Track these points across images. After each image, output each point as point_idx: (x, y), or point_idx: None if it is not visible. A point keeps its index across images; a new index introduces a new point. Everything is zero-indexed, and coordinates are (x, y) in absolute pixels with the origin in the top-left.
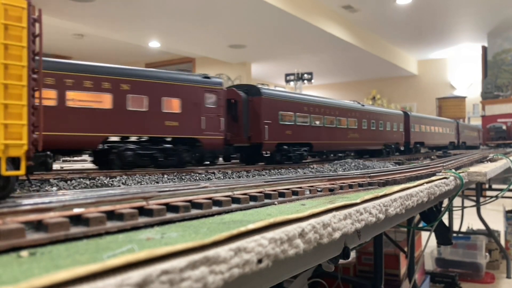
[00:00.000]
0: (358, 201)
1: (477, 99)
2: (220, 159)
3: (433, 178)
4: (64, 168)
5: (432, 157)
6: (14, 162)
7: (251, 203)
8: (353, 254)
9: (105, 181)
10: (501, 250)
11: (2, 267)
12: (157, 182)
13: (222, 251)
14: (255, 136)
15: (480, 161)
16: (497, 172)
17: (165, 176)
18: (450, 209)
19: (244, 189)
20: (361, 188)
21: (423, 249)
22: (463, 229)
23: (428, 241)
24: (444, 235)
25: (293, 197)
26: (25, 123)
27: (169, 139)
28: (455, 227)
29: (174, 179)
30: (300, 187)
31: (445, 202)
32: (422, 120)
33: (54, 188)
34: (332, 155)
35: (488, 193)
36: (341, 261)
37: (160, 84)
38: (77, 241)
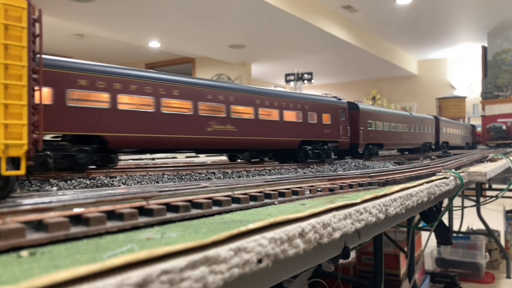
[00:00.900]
0: (358, 201)
1: (477, 99)
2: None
3: (433, 178)
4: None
5: (432, 157)
6: (14, 162)
7: (251, 203)
8: (353, 254)
9: (105, 181)
10: (501, 250)
11: (2, 267)
12: (157, 182)
13: (222, 251)
14: (354, 138)
15: (480, 161)
16: (497, 172)
17: (165, 176)
18: (450, 209)
19: (244, 189)
20: (361, 188)
21: (423, 249)
22: (463, 229)
23: (428, 241)
24: (444, 235)
25: (293, 197)
26: (25, 123)
27: (324, 142)
28: (455, 227)
29: (174, 179)
30: (300, 187)
31: (445, 202)
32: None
33: (54, 188)
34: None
35: (488, 193)
36: (341, 261)
37: (320, 105)
38: (77, 241)
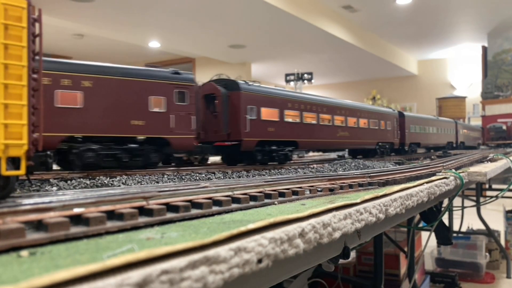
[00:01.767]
0: (358, 201)
1: (477, 99)
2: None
3: (433, 178)
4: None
5: (432, 157)
6: (14, 162)
7: (251, 203)
8: (353, 254)
9: (105, 181)
10: (501, 250)
11: (2, 266)
12: (157, 182)
13: (222, 250)
14: (402, 139)
15: (480, 161)
16: (497, 172)
17: (165, 176)
18: (450, 209)
19: (244, 189)
20: (361, 188)
21: (423, 249)
22: (463, 229)
23: (428, 241)
24: (444, 235)
25: (293, 197)
26: (25, 123)
27: (387, 142)
28: (455, 227)
29: (174, 179)
30: (300, 187)
31: (445, 202)
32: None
33: (54, 188)
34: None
35: (488, 193)
36: (341, 261)
37: (385, 115)
38: (77, 241)
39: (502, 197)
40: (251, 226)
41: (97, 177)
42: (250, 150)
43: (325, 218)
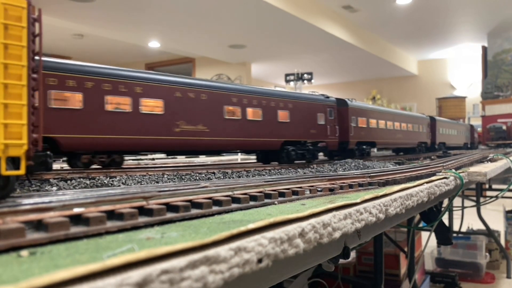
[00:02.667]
0: (358, 201)
1: (477, 99)
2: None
3: (433, 178)
4: (64, 168)
5: (432, 157)
6: (14, 162)
7: (251, 203)
8: (353, 254)
9: (105, 181)
10: (501, 250)
11: (2, 266)
12: (157, 182)
13: (222, 250)
14: (433, 139)
15: (480, 161)
16: (497, 172)
17: (165, 176)
18: (450, 209)
19: (244, 189)
20: (361, 188)
21: (423, 249)
22: (463, 229)
23: (428, 241)
24: (444, 235)
25: (293, 196)
26: (25, 122)
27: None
28: (455, 227)
29: (174, 178)
30: (300, 187)
31: (445, 202)
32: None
33: (54, 188)
34: None
35: (488, 193)
36: (341, 261)
37: (417, 119)
38: (77, 241)
39: (502, 197)
40: (251, 226)
41: (97, 177)
42: (353, 148)
43: (325, 218)
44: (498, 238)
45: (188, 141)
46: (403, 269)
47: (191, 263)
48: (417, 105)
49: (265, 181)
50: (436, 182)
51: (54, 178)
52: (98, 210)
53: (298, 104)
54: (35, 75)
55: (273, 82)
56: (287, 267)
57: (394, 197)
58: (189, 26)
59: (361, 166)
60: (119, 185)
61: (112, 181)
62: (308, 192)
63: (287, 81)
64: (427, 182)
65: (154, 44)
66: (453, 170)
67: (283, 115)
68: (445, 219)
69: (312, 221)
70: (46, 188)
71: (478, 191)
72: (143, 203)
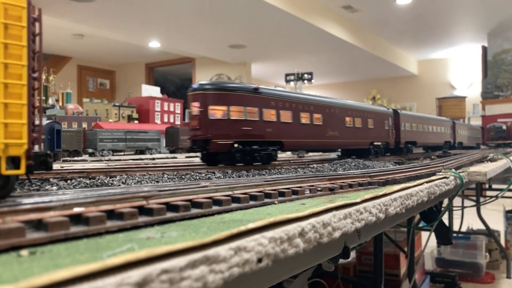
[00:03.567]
0: (358, 200)
1: (477, 99)
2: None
3: (433, 177)
4: (64, 168)
5: (432, 157)
6: (14, 161)
7: (251, 203)
8: (353, 254)
9: (105, 181)
10: (501, 250)
11: (2, 266)
12: (157, 182)
13: (222, 250)
14: (453, 140)
15: (480, 161)
16: (497, 172)
17: (165, 175)
18: (450, 209)
19: (244, 189)
20: (361, 187)
21: (423, 249)
22: (463, 229)
23: (428, 241)
24: (444, 235)
25: (293, 196)
26: (25, 122)
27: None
28: (455, 227)
29: (174, 178)
30: (300, 187)
31: (445, 202)
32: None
33: (54, 188)
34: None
35: (488, 193)
36: (341, 261)
37: (443, 122)
38: (77, 240)
39: (502, 197)
40: (251, 225)
41: (97, 177)
42: (402, 147)
43: (325, 217)
44: (498, 238)
45: (330, 143)
46: (403, 269)
47: (191, 262)
48: (417, 105)
49: (265, 181)
50: (436, 182)
51: (54, 178)
52: (98, 210)
53: (376, 114)
54: (35, 75)
55: (273, 82)
56: (287, 267)
57: (394, 196)
58: (189, 26)
59: (361, 166)
60: (119, 185)
61: (112, 180)
62: (308, 191)
63: (287, 81)
64: (427, 182)
65: (154, 44)
66: (453, 170)
67: (370, 123)
68: (445, 219)
69: (312, 220)
70: (46, 187)
71: (478, 191)
72: (143, 202)
